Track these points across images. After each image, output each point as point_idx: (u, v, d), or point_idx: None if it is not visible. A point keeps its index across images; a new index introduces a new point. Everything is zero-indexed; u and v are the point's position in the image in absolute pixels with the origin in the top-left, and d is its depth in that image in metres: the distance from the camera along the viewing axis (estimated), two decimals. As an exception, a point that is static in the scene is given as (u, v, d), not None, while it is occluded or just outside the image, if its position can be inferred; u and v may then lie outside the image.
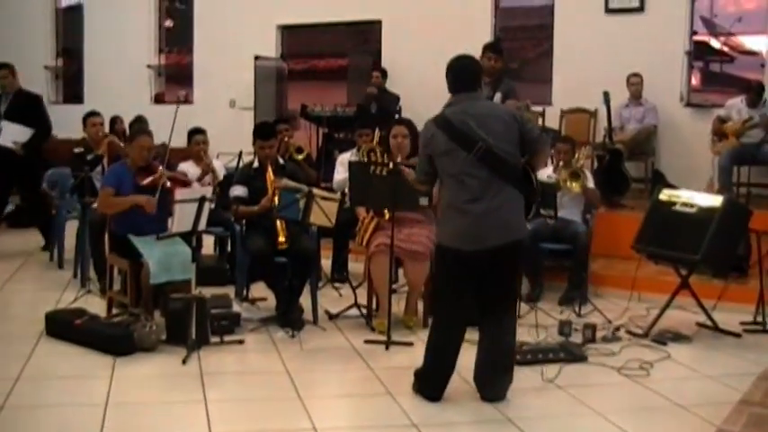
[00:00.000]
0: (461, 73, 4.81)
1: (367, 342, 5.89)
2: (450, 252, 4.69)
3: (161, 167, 6.28)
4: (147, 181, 6.18)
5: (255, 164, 6.65)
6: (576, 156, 7.43)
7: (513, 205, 4.64)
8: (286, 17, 12.70)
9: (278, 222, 6.23)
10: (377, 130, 7.05)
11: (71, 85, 15.33)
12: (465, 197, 4.58)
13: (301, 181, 6.54)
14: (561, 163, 7.32)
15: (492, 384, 4.77)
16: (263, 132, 6.67)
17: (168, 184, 6.15)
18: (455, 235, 4.66)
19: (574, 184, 7.13)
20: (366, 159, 6.63)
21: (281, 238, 6.22)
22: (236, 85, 12.48)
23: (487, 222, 4.56)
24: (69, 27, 15.35)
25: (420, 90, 10.21)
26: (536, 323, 6.28)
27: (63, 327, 5.79)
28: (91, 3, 14.72)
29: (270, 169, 6.50)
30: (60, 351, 5.60)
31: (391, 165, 5.85)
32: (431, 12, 11.30)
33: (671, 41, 10.00)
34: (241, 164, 7.49)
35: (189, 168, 7.49)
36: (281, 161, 6.82)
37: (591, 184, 7.35)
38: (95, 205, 7.26)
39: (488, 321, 4.77)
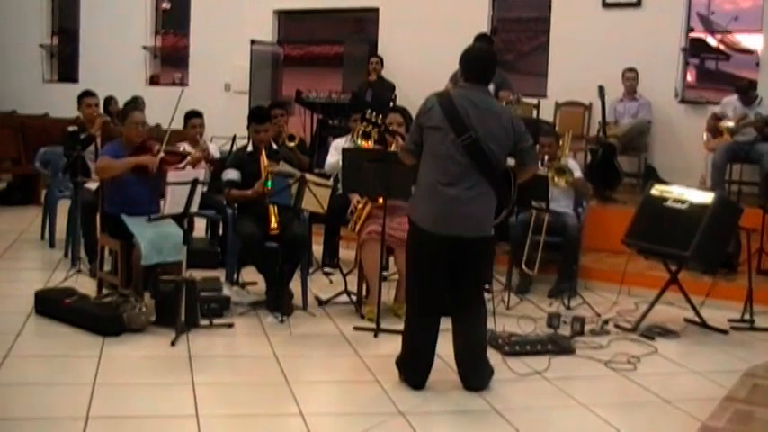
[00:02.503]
0: (477, 64, 4.76)
1: (356, 329, 5.89)
2: (417, 230, 4.73)
3: (158, 145, 6.26)
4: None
5: (249, 148, 6.63)
6: (561, 144, 7.43)
7: (484, 201, 4.65)
8: (283, 2, 12.69)
9: (270, 208, 6.21)
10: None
11: (66, 65, 15.28)
12: (442, 179, 4.59)
13: (294, 166, 6.53)
14: (546, 157, 7.33)
15: (473, 373, 4.79)
16: (258, 116, 6.66)
17: (162, 154, 6.17)
18: (424, 215, 4.69)
19: (560, 180, 7.15)
20: (360, 140, 6.63)
21: (273, 224, 6.20)
22: (232, 68, 12.46)
23: (455, 209, 4.57)
24: (65, 6, 15.27)
25: (415, 79, 10.21)
26: (525, 315, 6.33)
27: (52, 306, 5.77)
28: (87, -18, 14.67)
29: (263, 153, 6.48)
30: (49, 330, 5.58)
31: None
32: (428, 1, 11.28)
33: (667, 37, 10.02)
34: (235, 148, 7.46)
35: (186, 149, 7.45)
36: (274, 146, 6.80)
37: (578, 174, 7.37)
38: (88, 184, 7.27)
39: (458, 311, 4.79)
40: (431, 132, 4.64)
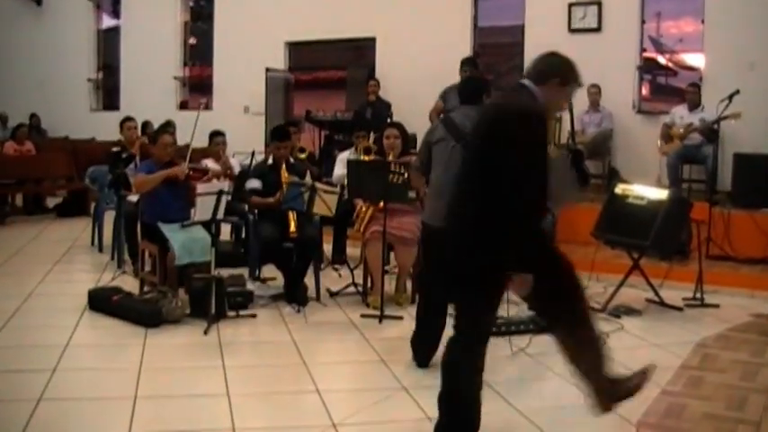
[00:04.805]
0: (466, 89, 5.01)
1: (363, 316, 5.88)
2: (426, 227, 4.74)
3: (184, 163, 6.28)
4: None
5: (270, 161, 6.63)
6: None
7: None
8: (293, 35, 12.68)
9: (290, 214, 6.19)
10: (371, 133, 7.03)
11: (109, 95, 15.33)
12: (446, 180, 4.58)
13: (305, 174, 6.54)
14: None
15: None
16: (280, 134, 6.65)
17: (189, 172, 6.20)
18: (430, 211, 4.70)
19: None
20: (362, 155, 6.62)
21: (293, 229, 6.17)
22: (250, 93, 12.44)
23: None
24: (108, 45, 15.34)
25: (409, 98, 10.17)
26: (510, 299, 6.28)
27: (103, 302, 5.79)
28: (126, 24, 14.74)
29: (284, 167, 6.47)
30: (101, 323, 5.59)
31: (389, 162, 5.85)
32: (418, 30, 11.27)
33: (624, 57, 10.01)
34: (253, 162, 7.44)
35: (209, 165, 7.43)
36: (292, 160, 6.79)
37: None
38: (130, 197, 7.27)
39: None
40: (436, 146, 4.74)
